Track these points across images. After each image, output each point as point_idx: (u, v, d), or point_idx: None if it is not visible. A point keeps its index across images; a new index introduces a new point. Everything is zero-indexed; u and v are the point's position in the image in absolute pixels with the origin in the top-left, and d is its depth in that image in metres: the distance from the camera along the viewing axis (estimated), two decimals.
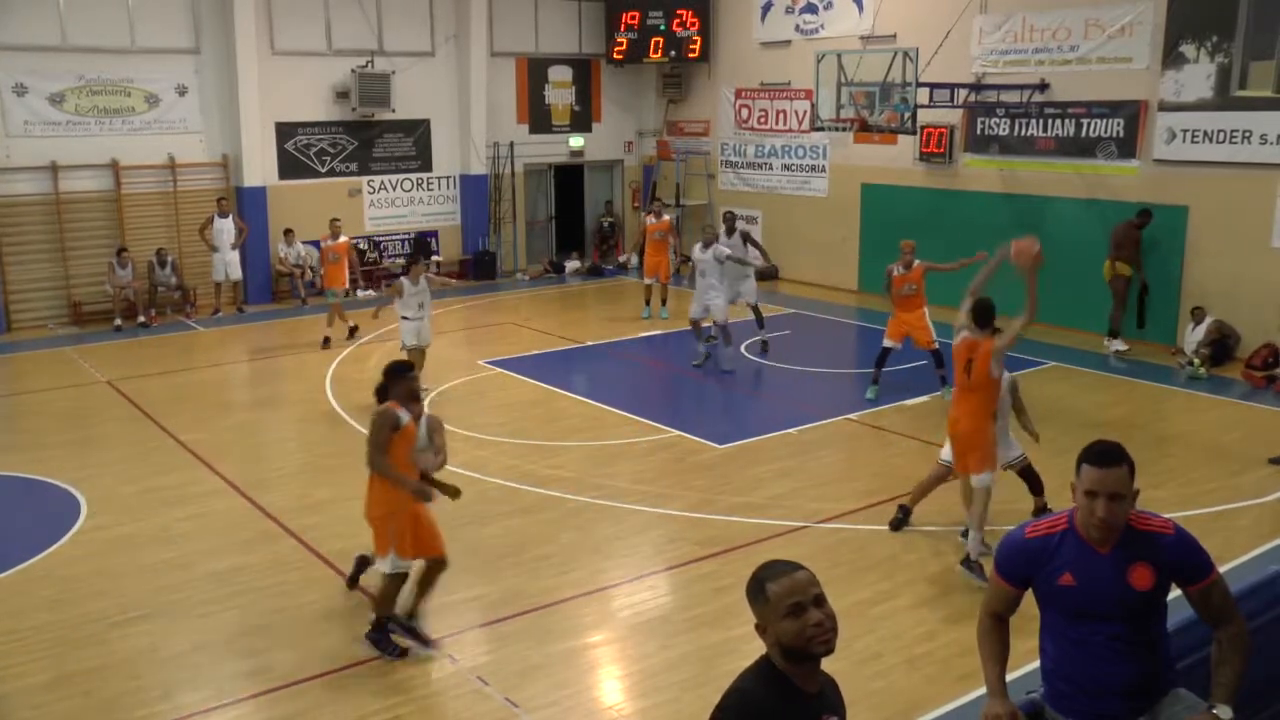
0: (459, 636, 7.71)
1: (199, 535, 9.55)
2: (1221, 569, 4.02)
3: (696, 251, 15.14)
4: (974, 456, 8.46)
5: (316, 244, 20.53)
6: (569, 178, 24.22)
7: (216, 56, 19.23)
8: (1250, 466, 10.94)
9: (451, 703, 6.87)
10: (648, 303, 18.49)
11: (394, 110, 21.04)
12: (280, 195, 20.16)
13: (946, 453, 8.89)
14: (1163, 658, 3.97)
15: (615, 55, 23.01)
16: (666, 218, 18.47)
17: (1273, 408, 12.86)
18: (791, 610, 3.14)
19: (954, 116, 18.24)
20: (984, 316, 8.69)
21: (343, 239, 17.04)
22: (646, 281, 18.41)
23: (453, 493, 7.67)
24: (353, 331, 16.81)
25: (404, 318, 13.41)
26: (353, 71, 20.44)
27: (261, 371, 15.00)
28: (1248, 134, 14.85)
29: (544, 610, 8.07)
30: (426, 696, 6.94)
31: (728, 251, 14.98)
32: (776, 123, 21.81)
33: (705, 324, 15.25)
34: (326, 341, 16.39)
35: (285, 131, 20.28)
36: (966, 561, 8.42)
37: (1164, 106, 15.71)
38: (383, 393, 7.44)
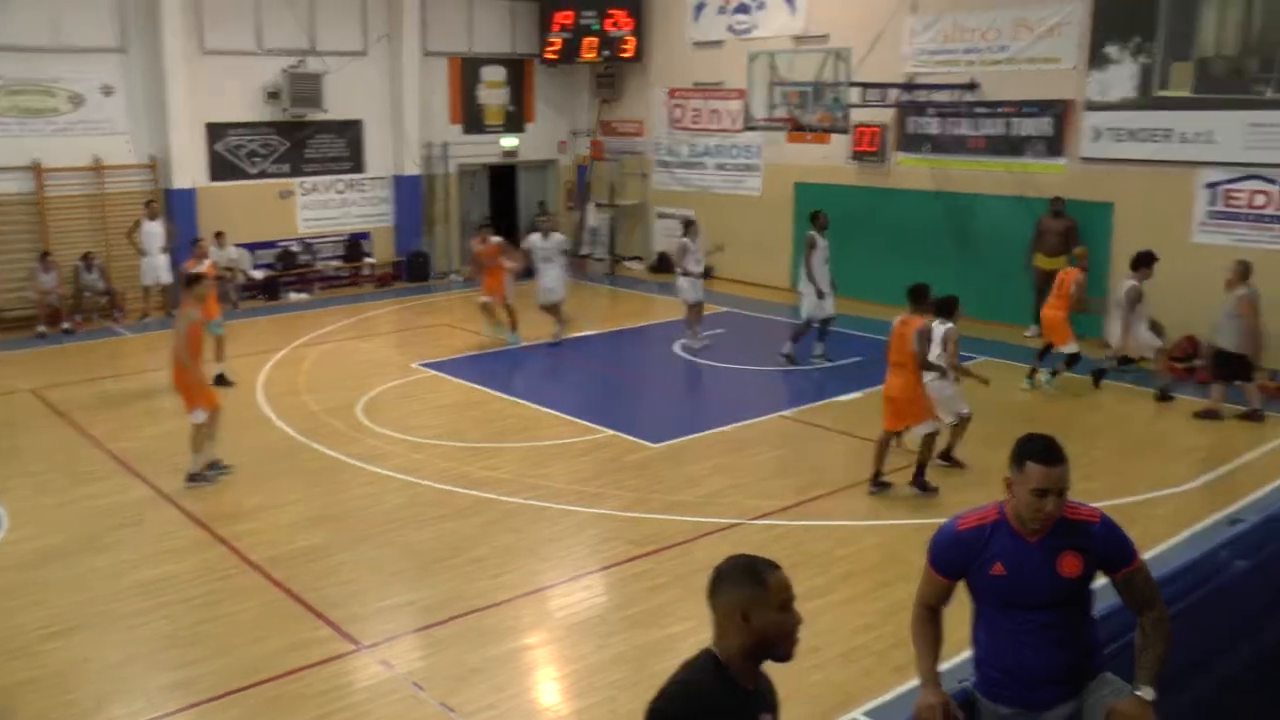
0: (393, 642, 7.63)
1: (128, 545, 9.35)
2: (1144, 556, 4.10)
3: (538, 240, 16.35)
4: (912, 414, 10.05)
5: (251, 247, 20.32)
6: (503, 178, 24.10)
7: (144, 56, 18.86)
8: (1173, 456, 11.17)
9: (386, 709, 6.79)
10: (501, 324, 16.57)
11: (326, 111, 20.79)
12: (211, 197, 19.81)
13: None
14: (1090, 643, 4.04)
15: (548, 55, 22.94)
16: (495, 241, 16.73)
17: (1194, 398, 13.12)
18: (785, 604, 3.19)
19: (886, 116, 18.41)
20: (917, 297, 10.12)
21: (207, 262, 15.00)
22: (482, 300, 16.67)
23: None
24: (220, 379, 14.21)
25: None
26: (284, 71, 20.18)
27: None
28: (1169, 133, 15.18)
29: (480, 613, 8.01)
30: (361, 704, 6.85)
31: (562, 238, 16.62)
32: (710, 122, 21.88)
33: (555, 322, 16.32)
34: (221, 379, 14.12)
35: (215, 132, 19.94)
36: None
37: (1090, 106, 16.01)
38: None
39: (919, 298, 10.12)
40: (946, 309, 10.46)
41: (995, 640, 4.06)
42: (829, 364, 14.87)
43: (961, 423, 10.65)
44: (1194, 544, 8.45)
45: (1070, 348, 13.41)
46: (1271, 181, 14.42)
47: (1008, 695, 4.03)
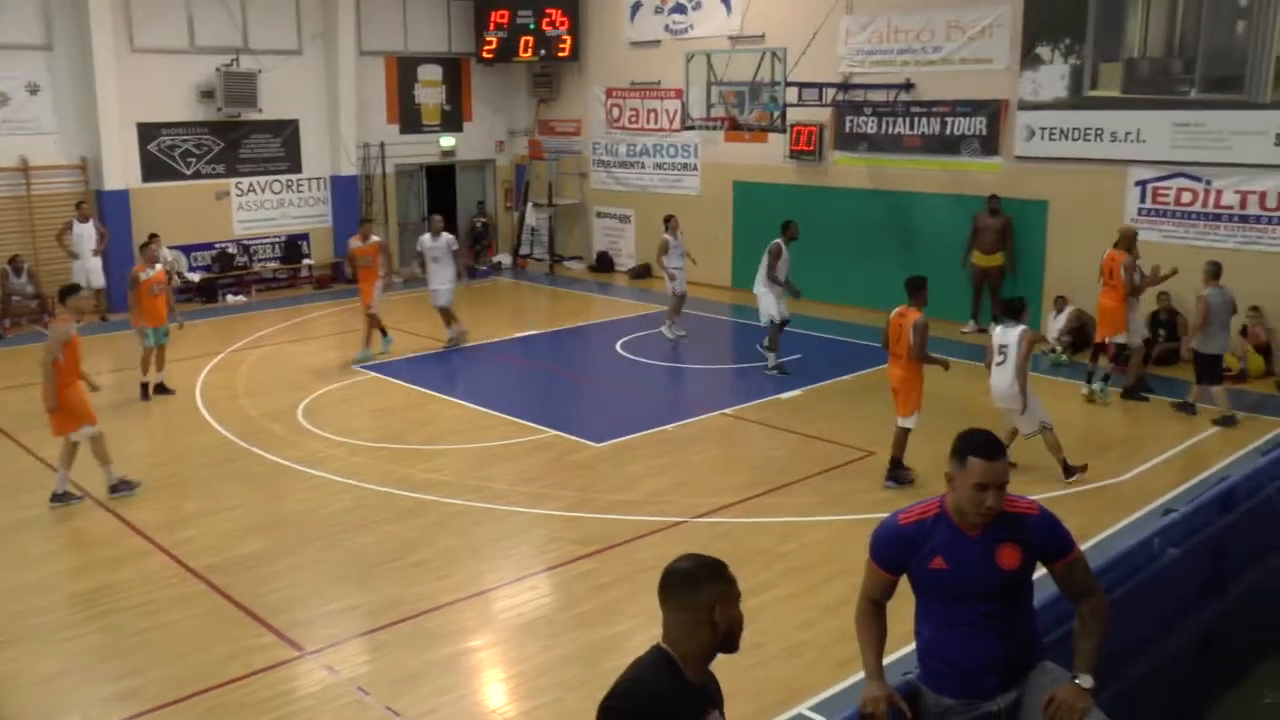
0: (338, 647, 7.57)
1: (60, 555, 9.20)
2: (1082, 546, 4.18)
3: (427, 241, 16.10)
4: (902, 405, 10.33)
5: (186, 249, 20.03)
6: (441, 178, 23.96)
7: (71, 53, 18.48)
8: (1108, 447, 11.38)
9: (331, 715, 6.73)
10: (371, 339, 15.77)
11: (261, 110, 20.54)
12: (144, 199, 19.48)
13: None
14: (1031, 634, 4.12)
15: (485, 54, 22.84)
16: (375, 240, 16.03)
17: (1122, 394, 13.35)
18: (739, 597, 3.34)
19: (823, 115, 18.57)
20: (914, 289, 10.40)
21: (159, 267, 14.00)
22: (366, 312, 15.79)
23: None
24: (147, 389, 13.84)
25: None
26: (217, 70, 19.89)
27: (127, 382, 14.42)
28: (1099, 131, 15.49)
29: (424, 616, 7.97)
30: (306, 710, 6.79)
31: (451, 239, 16.24)
32: (648, 122, 21.92)
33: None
34: (160, 387, 13.86)
35: (147, 132, 19.61)
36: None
37: (1023, 105, 16.27)
38: None
39: (916, 290, 10.35)
40: (1014, 311, 10.47)
41: (938, 632, 4.11)
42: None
43: (1047, 431, 10.48)
44: (1129, 534, 8.63)
45: (1121, 338, 12.97)
46: (1197, 179, 14.76)
47: (951, 686, 4.09)
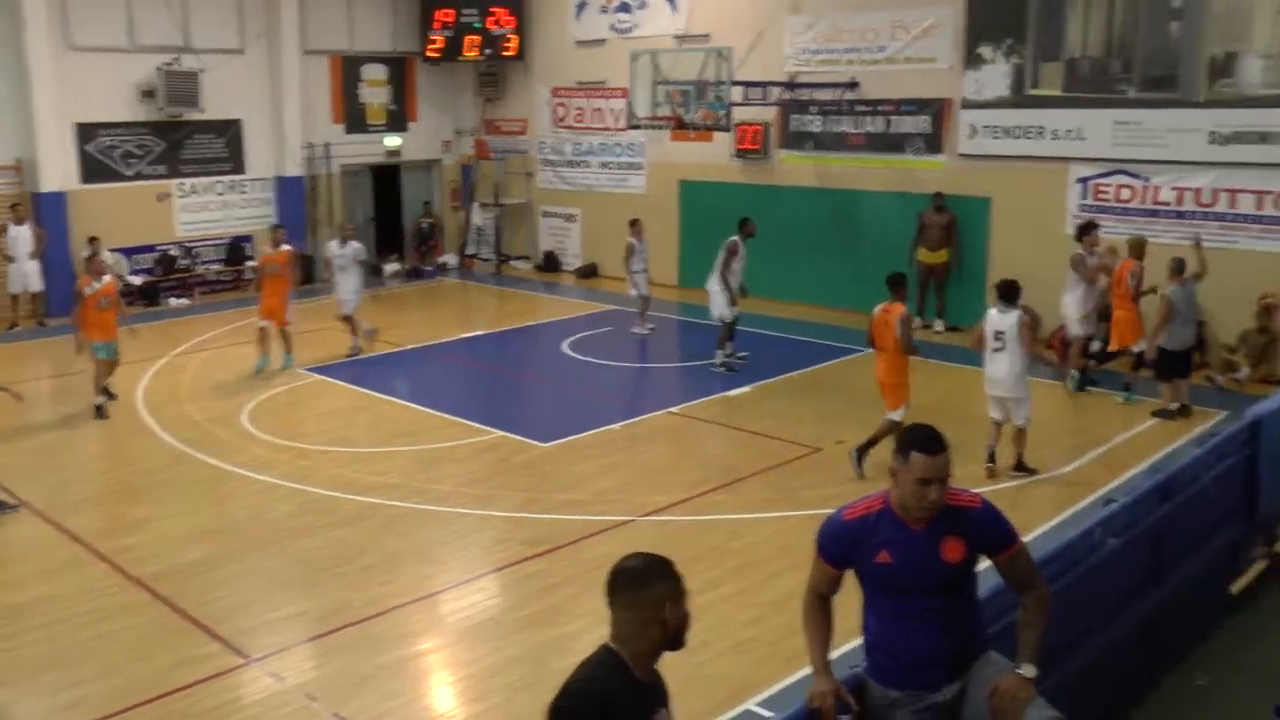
0: (284, 654, 7.49)
1: None
2: (1025, 538, 4.23)
3: (335, 247, 15.87)
4: (891, 398, 10.50)
5: (128, 252, 19.72)
6: (386, 178, 23.78)
7: (4, 51, 18.06)
8: (1049, 440, 11.51)
9: None
10: (265, 351, 14.86)
11: (204, 110, 20.22)
12: (83, 200, 19.14)
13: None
14: (975, 625, 4.16)
15: (430, 53, 22.70)
16: (286, 249, 15.33)
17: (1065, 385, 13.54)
18: (686, 594, 3.36)
19: (769, 114, 18.66)
20: (895, 285, 10.54)
21: (108, 278, 13.38)
22: (260, 324, 14.88)
23: None
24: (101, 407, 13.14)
25: None
26: (158, 69, 19.58)
27: (67, 388, 14.13)
28: (1041, 130, 15.71)
29: (371, 620, 7.91)
30: (252, 718, 6.72)
31: (359, 247, 16.06)
32: (594, 121, 21.90)
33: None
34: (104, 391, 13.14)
35: (86, 133, 19.26)
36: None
37: (966, 104, 16.46)
38: None
39: (897, 286, 10.51)
40: (1010, 294, 10.24)
41: (884, 626, 4.15)
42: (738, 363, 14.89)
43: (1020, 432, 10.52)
44: (1071, 525, 8.74)
45: (1139, 345, 12.80)
46: (1136, 176, 15.01)
47: (897, 679, 4.12)
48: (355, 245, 15.97)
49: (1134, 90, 14.89)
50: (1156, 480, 5.63)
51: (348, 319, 15.84)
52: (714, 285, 14.47)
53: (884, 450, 3.90)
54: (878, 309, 10.52)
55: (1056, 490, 10.25)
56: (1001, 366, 10.21)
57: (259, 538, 9.43)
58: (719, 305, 14.47)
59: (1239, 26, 14.02)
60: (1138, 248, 13.01)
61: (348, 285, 15.77)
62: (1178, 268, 12.28)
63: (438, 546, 9.30)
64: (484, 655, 7.44)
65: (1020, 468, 10.52)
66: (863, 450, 10.47)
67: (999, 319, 10.22)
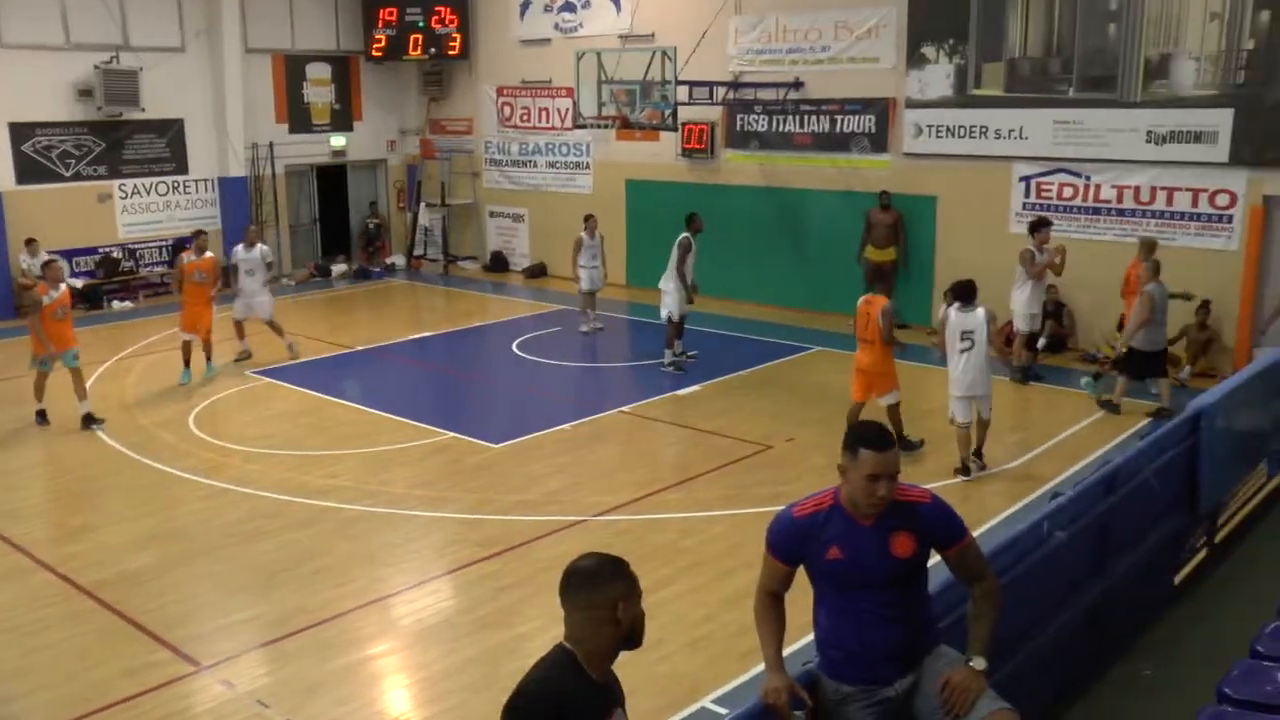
0: (235, 660, 7.42)
1: None
2: (974, 532, 4.29)
3: (240, 251, 15.47)
4: (880, 386, 10.82)
5: (68, 254, 19.36)
6: (332, 178, 23.58)
7: None
8: (996, 436, 11.65)
9: None
10: (187, 364, 14.40)
11: (144, 110, 19.93)
12: (19, 202, 18.79)
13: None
14: (926, 619, 4.21)
15: (374, 52, 22.55)
16: (210, 255, 14.82)
17: (1010, 381, 13.73)
18: (641, 595, 3.38)
19: (714, 114, 18.73)
20: (879, 278, 11.22)
21: (63, 288, 12.81)
22: (185, 338, 14.41)
23: None
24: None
25: None
26: (96, 68, 19.25)
27: (5, 394, 13.95)
28: (984, 129, 15.91)
29: (324, 625, 7.86)
30: None
31: (266, 249, 15.77)
32: (540, 120, 21.86)
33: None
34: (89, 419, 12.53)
35: (21, 133, 18.90)
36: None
37: (910, 104, 16.63)
38: None
39: (880, 279, 11.09)
40: (968, 294, 10.24)
41: (835, 621, 4.18)
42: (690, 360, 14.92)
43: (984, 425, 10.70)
44: (1019, 519, 8.87)
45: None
46: (1077, 175, 15.25)
47: (849, 674, 4.16)
48: (263, 248, 15.63)
49: (1073, 90, 15.13)
50: (1101, 474, 5.72)
51: (271, 324, 15.43)
52: (669, 284, 14.48)
53: (837, 446, 3.94)
54: (860, 301, 10.91)
55: (1004, 484, 10.41)
56: (973, 366, 10.26)
57: (208, 543, 9.33)
58: (670, 304, 14.47)
59: (1172, 29, 14.30)
60: (1148, 248, 12.79)
61: (256, 289, 15.34)
62: (1155, 268, 12.28)
63: (390, 549, 9.25)
64: (438, 658, 7.42)
65: (978, 455, 10.67)
66: (903, 440, 10.66)
67: (965, 319, 10.22)
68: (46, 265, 13.32)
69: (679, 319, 14.56)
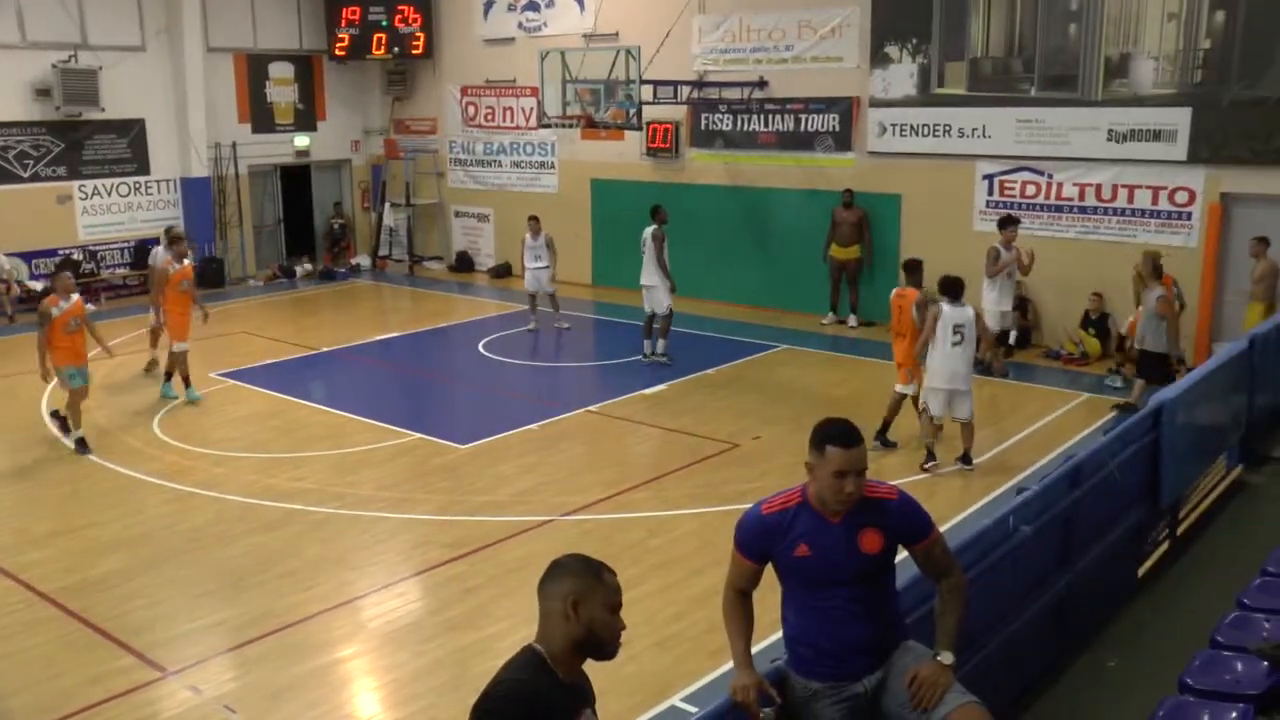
0: (202, 665, 7.37)
1: None
2: (941, 527, 4.32)
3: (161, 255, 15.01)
4: (899, 373, 11.16)
5: (27, 256, 19.17)
6: (296, 179, 23.43)
7: None
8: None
9: None
10: (179, 378, 13.53)
11: (104, 109, 19.70)
12: None
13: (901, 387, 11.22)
14: (894, 614, 4.24)
15: (337, 52, 22.42)
16: (189, 263, 14.07)
17: (979, 377, 13.82)
18: (616, 607, 3.33)
19: (678, 113, 18.76)
20: (911, 271, 11.16)
21: (75, 298, 11.92)
22: (175, 349, 13.46)
23: None
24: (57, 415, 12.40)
25: None
26: (54, 67, 19.01)
27: None
28: (948, 128, 16.04)
29: (292, 628, 7.82)
30: None
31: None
32: (504, 120, 21.82)
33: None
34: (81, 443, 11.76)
35: None
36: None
37: (874, 103, 16.72)
38: None
39: (912, 271, 11.13)
40: (957, 289, 10.50)
41: (804, 618, 4.20)
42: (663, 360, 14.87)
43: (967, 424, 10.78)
44: (985, 513, 8.94)
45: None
46: (1040, 173, 15.40)
47: (818, 670, 4.18)
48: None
49: (1035, 89, 15.27)
50: (1066, 468, 5.78)
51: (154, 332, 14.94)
52: (653, 279, 14.46)
53: (804, 444, 3.97)
54: (893, 294, 11.22)
55: (971, 480, 10.48)
56: (960, 360, 10.43)
57: (174, 547, 9.25)
58: (662, 297, 14.45)
59: (1131, 29, 14.47)
60: (1156, 267, 12.29)
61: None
62: (1158, 269, 12.17)
63: (357, 551, 9.21)
64: (407, 660, 7.40)
65: (966, 459, 10.72)
66: (882, 434, 11.06)
67: (957, 313, 10.43)
68: (54, 276, 12.63)
69: (669, 311, 14.57)
